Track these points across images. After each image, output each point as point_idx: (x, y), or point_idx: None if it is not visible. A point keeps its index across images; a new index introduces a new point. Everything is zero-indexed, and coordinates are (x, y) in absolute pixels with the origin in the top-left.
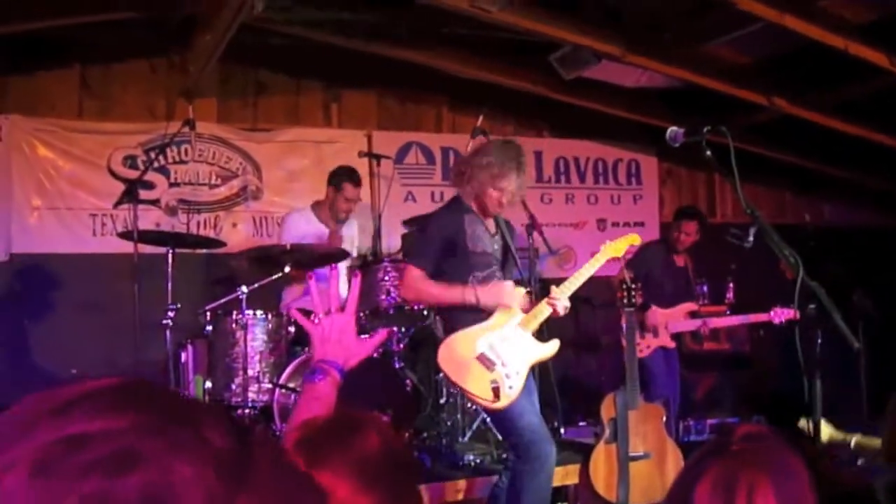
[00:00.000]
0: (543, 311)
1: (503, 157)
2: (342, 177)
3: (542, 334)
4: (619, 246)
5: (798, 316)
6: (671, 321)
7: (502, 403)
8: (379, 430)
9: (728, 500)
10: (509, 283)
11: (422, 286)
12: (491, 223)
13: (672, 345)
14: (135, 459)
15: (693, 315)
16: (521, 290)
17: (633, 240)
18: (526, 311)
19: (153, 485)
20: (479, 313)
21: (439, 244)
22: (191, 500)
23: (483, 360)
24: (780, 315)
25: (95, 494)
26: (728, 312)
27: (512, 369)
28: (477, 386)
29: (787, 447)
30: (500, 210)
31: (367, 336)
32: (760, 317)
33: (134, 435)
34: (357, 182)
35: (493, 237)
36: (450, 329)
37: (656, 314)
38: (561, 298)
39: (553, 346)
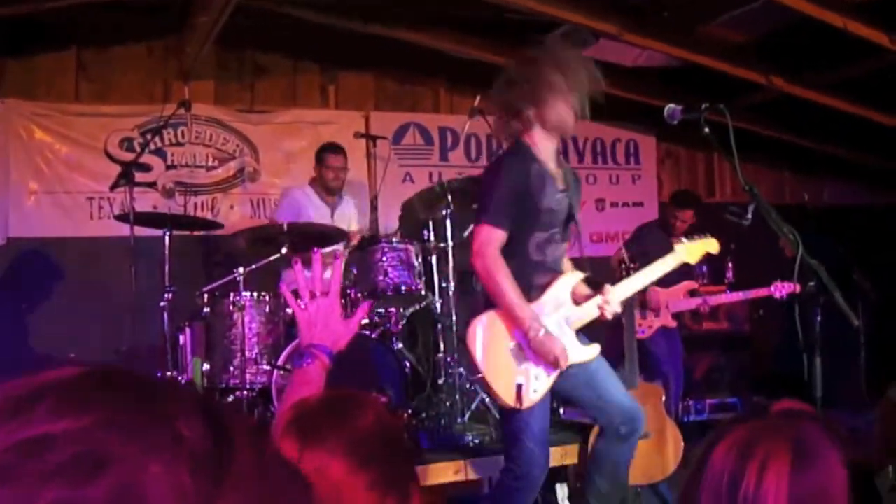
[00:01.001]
0: (591, 312)
1: (564, 60)
2: (322, 150)
3: None
4: (696, 251)
5: (799, 289)
6: (672, 300)
7: (523, 406)
8: (374, 409)
9: (741, 465)
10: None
11: (498, 269)
12: (559, 177)
13: (673, 324)
14: (101, 462)
15: (693, 294)
16: (578, 276)
17: (712, 246)
18: (578, 302)
19: (122, 489)
20: (529, 293)
21: (513, 198)
22: (163, 503)
23: (516, 352)
24: (781, 289)
25: (60, 501)
26: (728, 292)
27: (542, 370)
28: (500, 381)
29: (823, 433)
30: (572, 129)
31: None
32: (761, 292)
33: (100, 434)
34: (337, 150)
35: (560, 193)
36: (490, 303)
37: (657, 294)
38: (612, 302)
39: (594, 349)
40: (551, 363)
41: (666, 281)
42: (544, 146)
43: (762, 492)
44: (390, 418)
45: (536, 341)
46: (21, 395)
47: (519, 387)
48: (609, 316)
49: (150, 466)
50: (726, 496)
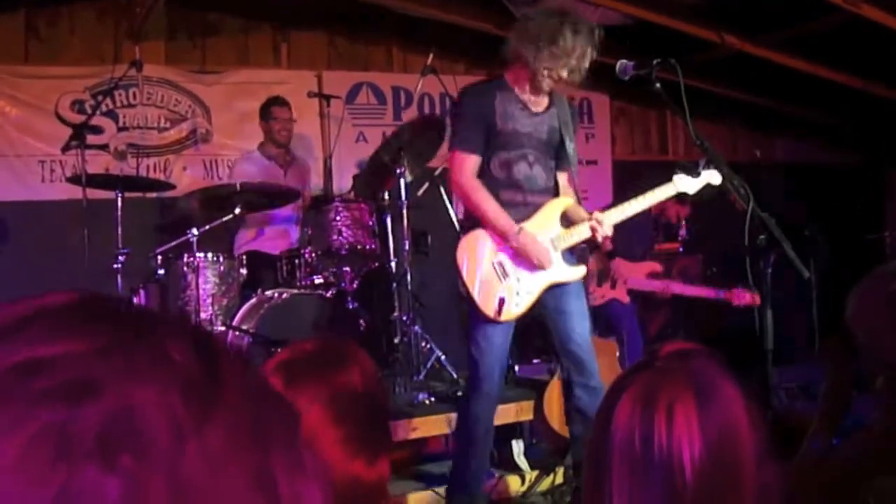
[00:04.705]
0: (582, 232)
1: (550, 32)
2: (268, 105)
3: None
4: (695, 184)
5: (758, 301)
6: (631, 278)
7: (503, 318)
8: (362, 367)
9: (647, 414)
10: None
11: (475, 187)
12: (537, 102)
13: (626, 300)
14: (95, 385)
15: (655, 275)
16: (568, 200)
17: (713, 178)
18: (569, 225)
19: (115, 412)
20: (514, 210)
21: (475, 123)
22: (155, 426)
23: (499, 267)
24: (741, 297)
25: (54, 423)
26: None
27: (524, 286)
28: (482, 294)
29: (715, 367)
30: (554, 86)
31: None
32: (721, 294)
33: (94, 359)
34: (282, 102)
35: (533, 116)
36: (473, 224)
37: (621, 267)
38: (605, 224)
39: (579, 271)
40: (535, 264)
41: (626, 247)
42: (524, 82)
43: (675, 439)
44: (376, 380)
45: (518, 244)
46: (15, 317)
47: (501, 300)
48: (600, 237)
49: (143, 391)
50: (640, 454)
